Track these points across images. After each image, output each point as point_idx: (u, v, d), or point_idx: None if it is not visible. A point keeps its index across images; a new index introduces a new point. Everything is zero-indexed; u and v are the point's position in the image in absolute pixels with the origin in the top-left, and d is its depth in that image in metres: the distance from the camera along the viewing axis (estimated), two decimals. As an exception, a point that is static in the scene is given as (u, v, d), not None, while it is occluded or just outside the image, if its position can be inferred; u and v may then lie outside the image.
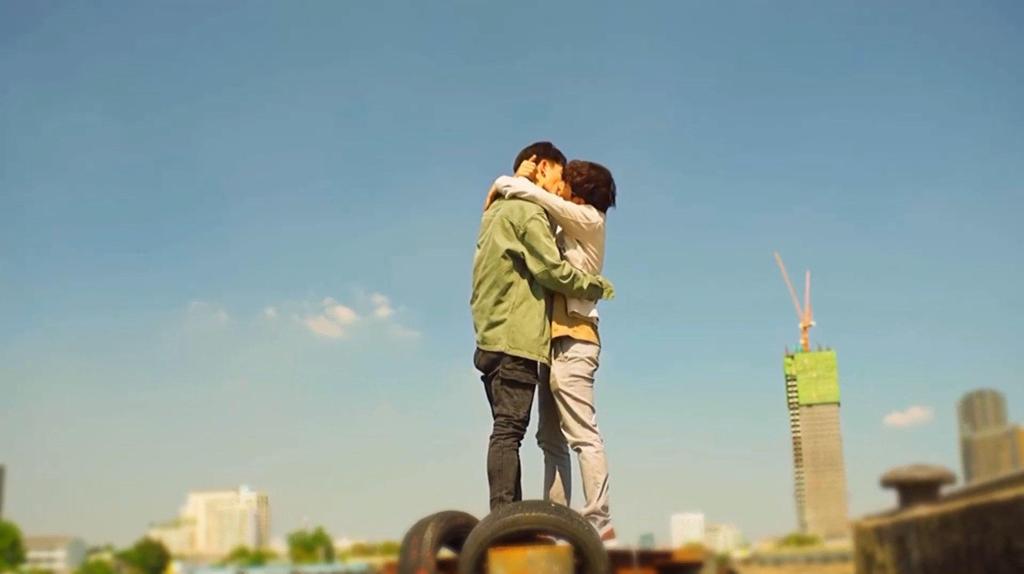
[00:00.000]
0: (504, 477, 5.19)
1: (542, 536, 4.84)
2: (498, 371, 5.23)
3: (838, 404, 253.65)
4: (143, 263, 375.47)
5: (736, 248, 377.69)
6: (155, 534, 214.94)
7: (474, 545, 4.79)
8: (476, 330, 5.40)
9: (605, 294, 5.47)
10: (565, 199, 5.49)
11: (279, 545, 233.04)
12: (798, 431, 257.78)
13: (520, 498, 5.29)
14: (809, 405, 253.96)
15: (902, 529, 4.62)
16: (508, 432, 5.21)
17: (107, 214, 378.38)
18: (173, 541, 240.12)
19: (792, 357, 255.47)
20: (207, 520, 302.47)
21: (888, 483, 5.61)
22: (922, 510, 4.48)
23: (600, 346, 5.46)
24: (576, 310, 5.36)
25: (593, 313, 5.43)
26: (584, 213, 5.41)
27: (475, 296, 5.40)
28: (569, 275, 5.24)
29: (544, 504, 5.03)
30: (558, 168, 5.56)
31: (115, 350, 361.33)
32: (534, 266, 5.21)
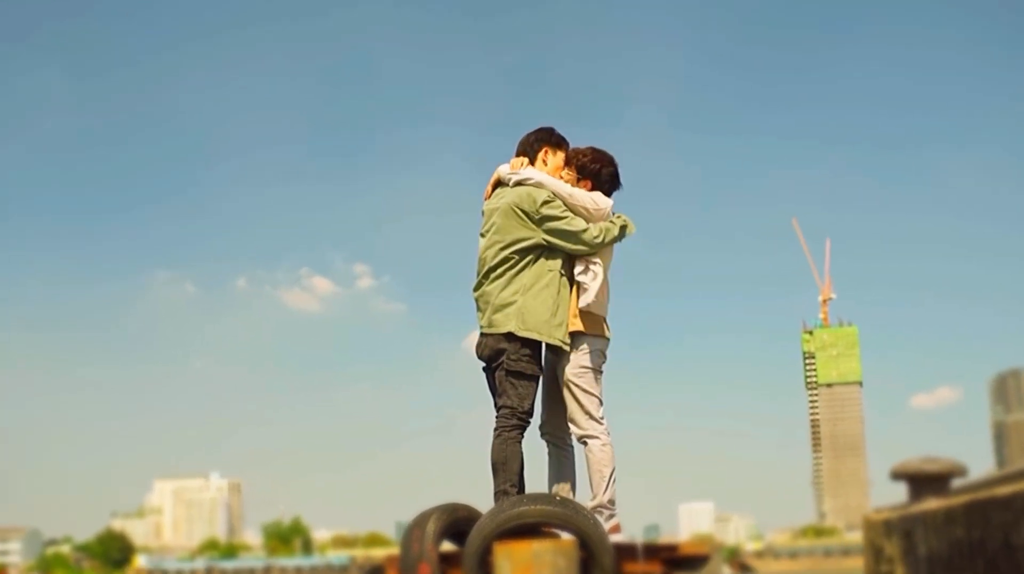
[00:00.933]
0: (508, 470, 5.59)
1: (547, 530, 5.21)
2: (502, 362, 5.63)
3: (860, 384, 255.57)
4: (103, 230, 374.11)
5: (750, 213, 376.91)
6: (118, 525, 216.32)
7: (478, 538, 5.18)
8: (481, 315, 5.82)
9: (629, 231, 5.94)
10: (571, 185, 5.89)
11: (253, 536, 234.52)
12: (816, 413, 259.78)
13: (524, 491, 5.70)
14: (829, 385, 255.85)
15: (909, 523, 5.02)
16: (512, 424, 5.61)
17: (64, 177, 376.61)
18: (137, 532, 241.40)
19: (811, 333, 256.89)
20: (174, 509, 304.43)
21: (897, 476, 6.01)
22: (930, 504, 4.88)
23: (609, 339, 5.90)
24: (587, 305, 5.77)
25: (597, 300, 5.84)
26: (593, 198, 5.83)
27: (480, 283, 5.80)
28: (600, 234, 5.72)
29: (549, 497, 5.46)
30: (561, 155, 5.97)
31: (72, 324, 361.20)
32: (569, 246, 5.68)
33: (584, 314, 5.80)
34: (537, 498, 5.36)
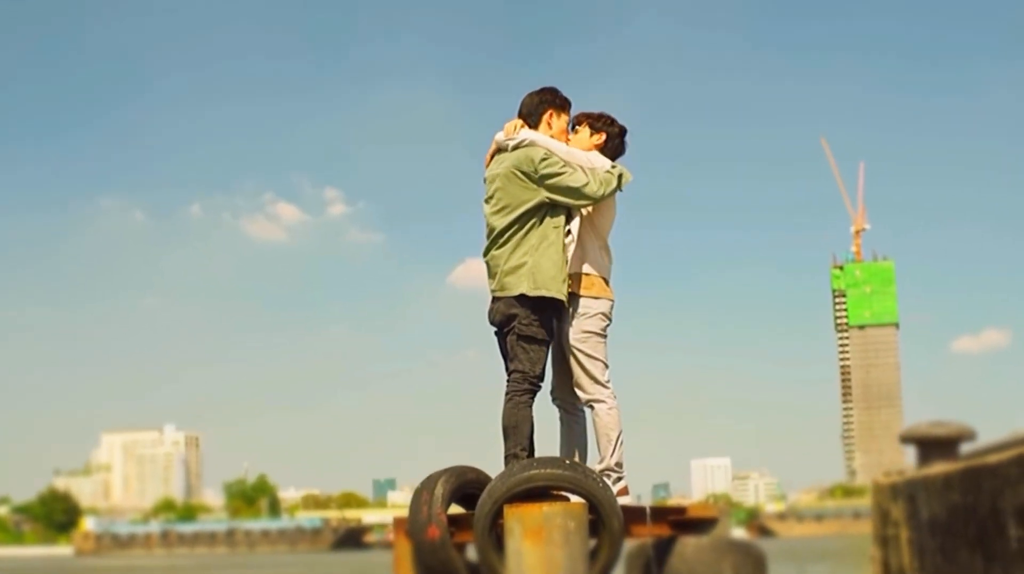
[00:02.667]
0: (519, 434, 6.36)
1: (557, 493, 5.98)
2: (514, 327, 6.38)
3: (896, 326, 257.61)
4: (40, 153, 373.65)
5: (774, 133, 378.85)
6: (61, 484, 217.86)
7: (489, 501, 5.95)
8: (492, 280, 6.57)
9: (625, 180, 6.66)
10: (587, 138, 6.74)
11: (213, 496, 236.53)
12: (847, 358, 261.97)
13: (534, 455, 6.45)
14: (861, 327, 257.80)
15: (913, 487, 5.79)
16: (523, 389, 6.38)
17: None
18: (84, 491, 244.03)
19: (841, 268, 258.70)
20: (124, 466, 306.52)
21: (906, 440, 6.80)
22: (934, 468, 5.65)
23: (613, 300, 6.68)
24: (587, 266, 6.58)
25: (601, 265, 6.60)
26: (588, 158, 6.60)
27: (488, 248, 6.57)
28: (601, 187, 6.45)
29: (559, 461, 6.22)
30: (565, 117, 6.73)
31: (7, 258, 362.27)
32: (572, 201, 6.44)
33: (584, 274, 6.59)
34: (547, 462, 6.12)
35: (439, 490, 6.36)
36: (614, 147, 6.79)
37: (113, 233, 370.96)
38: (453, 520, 6.42)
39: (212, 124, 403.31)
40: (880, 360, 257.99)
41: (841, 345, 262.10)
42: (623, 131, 6.85)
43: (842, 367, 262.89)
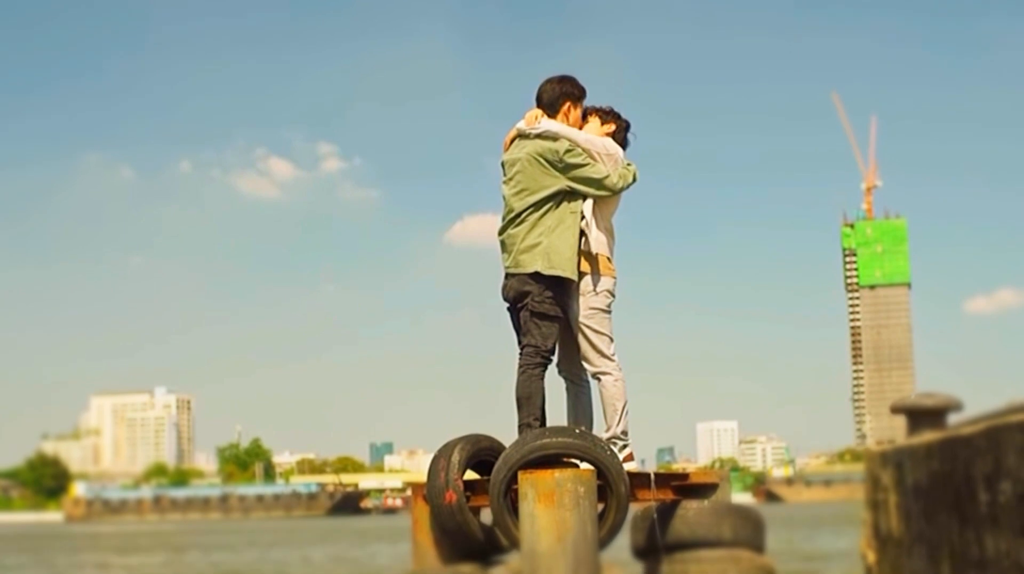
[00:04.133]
0: (532, 404, 6.84)
1: (568, 460, 6.40)
2: (527, 303, 6.86)
3: (908, 286, 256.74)
4: (24, 107, 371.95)
5: (785, 88, 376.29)
6: (50, 448, 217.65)
7: (504, 468, 6.38)
8: (507, 255, 7.03)
9: (635, 178, 7.21)
10: (599, 125, 7.28)
11: (206, 461, 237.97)
12: (858, 319, 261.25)
13: (546, 424, 6.90)
14: (872, 286, 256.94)
15: (901, 455, 6.29)
16: (536, 362, 6.87)
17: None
18: (73, 456, 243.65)
19: (852, 226, 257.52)
20: (114, 430, 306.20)
21: (896, 410, 7.27)
22: (921, 438, 6.18)
23: (616, 278, 7.19)
24: (595, 242, 7.07)
25: (607, 247, 7.13)
26: (605, 144, 7.13)
27: (505, 227, 7.03)
28: (620, 180, 7.00)
29: (570, 430, 6.67)
30: (580, 109, 7.22)
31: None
32: (592, 191, 6.96)
33: (590, 254, 7.09)
34: (559, 431, 6.58)
35: (455, 457, 6.75)
36: (619, 140, 7.28)
37: (100, 190, 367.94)
38: (469, 485, 6.79)
39: (202, 78, 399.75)
40: (891, 321, 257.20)
41: (851, 305, 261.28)
42: (628, 125, 7.38)
43: (852, 328, 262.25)
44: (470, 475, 6.94)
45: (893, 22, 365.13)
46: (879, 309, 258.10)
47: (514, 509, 6.46)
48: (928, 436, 6.13)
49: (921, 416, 7.15)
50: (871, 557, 7.11)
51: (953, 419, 7.23)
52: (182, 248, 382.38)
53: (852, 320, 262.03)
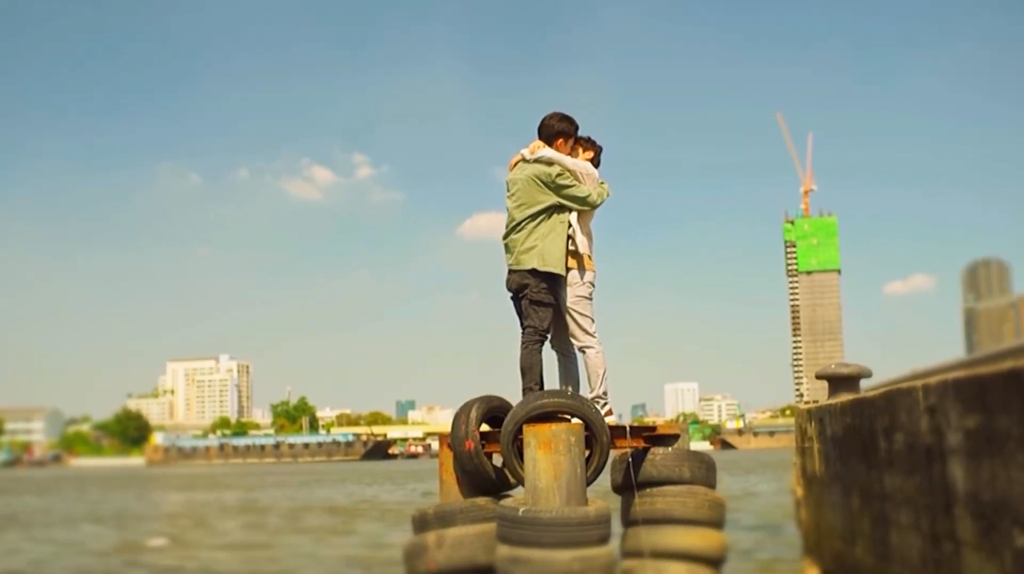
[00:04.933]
0: (533, 373, 7.03)
1: (562, 416, 6.55)
2: (527, 293, 7.04)
3: (838, 271, 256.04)
4: (111, 123, 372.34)
5: (738, 109, 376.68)
6: (133, 405, 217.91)
7: (512, 422, 6.54)
8: (510, 255, 7.18)
9: (608, 195, 7.38)
10: (580, 151, 7.48)
11: (261, 415, 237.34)
12: (796, 299, 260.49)
13: (544, 388, 7.07)
14: (808, 272, 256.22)
15: (822, 413, 6.58)
16: (535, 340, 7.06)
17: (71, 71, 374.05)
18: (152, 411, 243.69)
19: (792, 223, 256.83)
20: (186, 390, 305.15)
21: (820, 377, 7.55)
22: (838, 398, 6.48)
23: (595, 271, 7.36)
24: (581, 243, 7.26)
25: (588, 247, 7.33)
26: (585, 167, 7.32)
27: (509, 233, 7.19)
28: (598, 197, 7.20)
29: (562, 392, 6.83)
30: (571, 142, 7.39)
31: (83, 214, 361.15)
32: (577, 206, 7.14)
33: (575, 254, 7.24)
34: (554, 393, 6.72)
35: (473, 413, 6.86)
36: (595, 162, 7.48)
37: (173, 193, 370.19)
38: (484, 435, 6.89)
39: (257, 100, 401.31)
40: (824, 301, 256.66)
41: (791, 288, 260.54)
42: (600, 149, 7.59)
43: (792, 307, 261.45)
44: (484, 427, 7.00)
45: (827, 56, 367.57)
46: (814, 291, 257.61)
47: (519, 454, 6.54)
48: (843, 397, 6.42)
49: (839, 382, 7.46)
50: (799, 492, 7.40)
51: (864, 384, 7.57)
52: (240, 241, 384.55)
53: (792, 300, 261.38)
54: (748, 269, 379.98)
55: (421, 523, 6.92)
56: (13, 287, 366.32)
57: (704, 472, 7.22)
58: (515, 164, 7.34)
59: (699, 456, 7.32)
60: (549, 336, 7.25)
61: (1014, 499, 3.40)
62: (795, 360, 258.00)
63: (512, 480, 6.89)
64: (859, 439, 5.59)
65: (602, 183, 7.34)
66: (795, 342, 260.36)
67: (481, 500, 6.86)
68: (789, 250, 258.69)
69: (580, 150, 7.47)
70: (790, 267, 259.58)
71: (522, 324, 7.16)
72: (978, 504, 3.74)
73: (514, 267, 7.13)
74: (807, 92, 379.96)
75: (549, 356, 7.38)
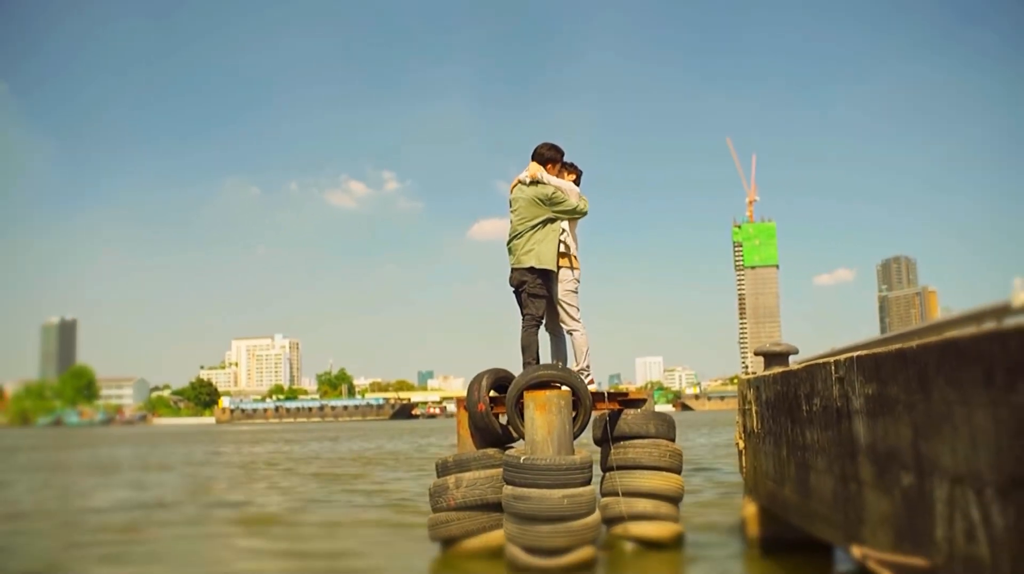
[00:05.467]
0: (531, 351, 7.13)
1: (554, 384, 6.66)
2: (526, 287, 7.13)
3: (777, 266, 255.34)
4: (187, 145, 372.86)
5: (695, 134, 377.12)
6: (205, 375, 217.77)
7: (515, 389, 6.65)
8: (512, 257, 7.24)
9: (587, 207, 7.47)
10: (566, 174, 7.56)
11: (309, 383, 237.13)
12: (743, 289, 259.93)
13: (539, 362, 7.11)
14: (752, 267, 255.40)
15: (759, 381, 6.70)
16: (532, 324, 7.15)
17: (158, 102, 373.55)
18: (220, 380, 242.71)
19: (739, 227, 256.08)
20: (248, 363, 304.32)
21: (757, 353, 7.65)
22: (771, 371, 6.60)
23: (580, 269, 7.42)
24: (567, 249, 7.33)
25: (575, 249, 7.44)
26: (570, 187, 7.41)
27: (512, 239, 7.27)
28: (581, 208, 7.31)
29: (554, 366, 6.91)
30: (559, 165, 7.49)
31: (165, 219, 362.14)
32: (566, 216, 7.23)
33: (564, 255, 7.31)
34: (548, 367, 6.80)
35: (484, 382, 6.94)
36: (577, 182, 7.58)
37: (236, 202, 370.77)
38: (492, 400, 6.97)
39: (306, 127, 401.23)
40: (765, 290, 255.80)
41: (739, 280, 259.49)
42: (581, 173, 7.67)
43: (739, 295, 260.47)
44: (493, 394, 7.05)
45: (770, 92, 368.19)
46: (757, 283, 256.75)
47: (521, 414, 6.63)
48: (775, 370, 6.52)
49: (772, 357, 7.52)
50: (741, 444, 7.50)
51: (792, 359, 7.66)
52: (291, 241, 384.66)
53: (739, 290, 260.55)
54: (703, 264, 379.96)
55: (443, 468, 6.95)
56: (109, 279, 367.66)
57: (666, 429, 7.27)
58: (515, 186, 7.43)
59: (662, 416, 7.36)
60: (544, 321, 7.30)
61: (900, 449, 3.55)
62: (741, 338, 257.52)
63: (515, 435, 6.90)
64: (786, 402, 5.68)
65: (582, 198, 7.43)
66: (742, 324, 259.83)
67: (490, 450, 6.90)
68: (737, 249, 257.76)
69: (565, 173, 7.56)
70: (737, 263, 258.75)
71: (522, 312, 7.22)
72: (875, 453, 3.85)
73: (516, 266, 7.20)
74: (752, 121, 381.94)
75: (543, 337, 7.45)
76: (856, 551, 3.91)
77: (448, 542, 6.78)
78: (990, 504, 2.73)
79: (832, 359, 4.49)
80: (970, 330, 2.77)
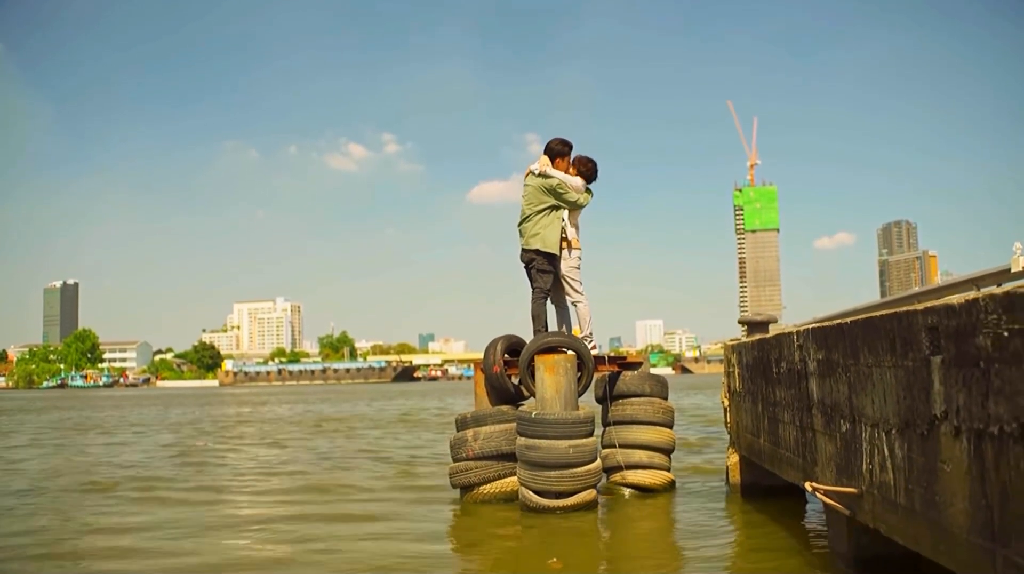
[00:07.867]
0: (540, 320, 7.80)
1: (561, 349, 7.20)
2: (534, 265, 7.74)
3: (777, 230, 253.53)
4: (186, 108, 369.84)
5: (698, 99, 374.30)
6: (207, 338, 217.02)
7: (527, 354, 7.27)
8: (522, 238, 7.84)
9: (591, 198, 8.04)
10: (574, 171, 8.03)
11: (310, 346, 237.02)
12: (743, 253, 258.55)
13: (548, 330, 7.71)
14: (753, 231, 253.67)
15: (741, 347, 7.46)
16: (541, 297, 7.79)
17: (157, 68, 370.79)
18: (223, 343, 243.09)
19: (740, 190, 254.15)
20: (250, 326, 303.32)
21: (740, 322, 8.44)
22: (751, 338, 7.41)
23: (581, 249, 7.96)
24: (570, 232, 7.94)
25: (575, 233, 8.03)
26: (574, 181, 7.83)
27: (521, 222, 7.88)
28: (585, 200, 7.83)
29: (561, 333, 7.59)
30: (567, 160, 7.95)
31: (165, 183, 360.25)
32: (568, 206, 7.74)
33: (566, 239, 7.85)
34: (555, 334, 7.45)
35: (499, 346, 7.50)
36: (589, 174, 7.94)
37: (236, 165, 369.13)
38: (506, 362, 7.47)
39: (304, 89, 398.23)
40: (766, 254, 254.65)
41: (739, 243, 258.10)
42: (595, 164, 8.00)
43: (740, 258, 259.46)
44: (506, 357, 7.54)
45: (770, 56, 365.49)
46: (757, 246, 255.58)
47: (532, 375, 7.10)
48: (755, 337, 7.28)
49: (754, 326, 8.33)
50: (726, 402, 8.31)
51: (772, 327, 8.45)
52: (291, 204, 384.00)
53: (740, 253, 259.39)
54: (705, 228, 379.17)
55: (462, 423, 7.47)
56: (111, 243, 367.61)
57: (659, 388, 7.85)
58: (528, 174, 7.96)
59: (656, 377, 7.93)
60: (550, 294, 7.86)
61: (840, 402, 4.41)
62: (742, 301, 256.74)
63: (527, 393, 7.37)
64: (761, 365, 6.40)
65: (588, 191, 7.91)
66: (742, 287, 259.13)
67: (504, 407, 7.37)
68: (738, 213, 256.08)
69: (572, 169, 7.98)
70: (738, 226, 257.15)
71: (532, 286, 7.78)
72: (824, 406, 4.65)
73: (525, 246, 7.77)
74: (754, 85, 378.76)
75: (550, 308, 8.02)
76: (808, 486, 4.78)
77: (467, 488, 7.41)
78: (894, 442, 3.64)
79: (795, 330, 5.34)
80: (881, 311, 3.67)
